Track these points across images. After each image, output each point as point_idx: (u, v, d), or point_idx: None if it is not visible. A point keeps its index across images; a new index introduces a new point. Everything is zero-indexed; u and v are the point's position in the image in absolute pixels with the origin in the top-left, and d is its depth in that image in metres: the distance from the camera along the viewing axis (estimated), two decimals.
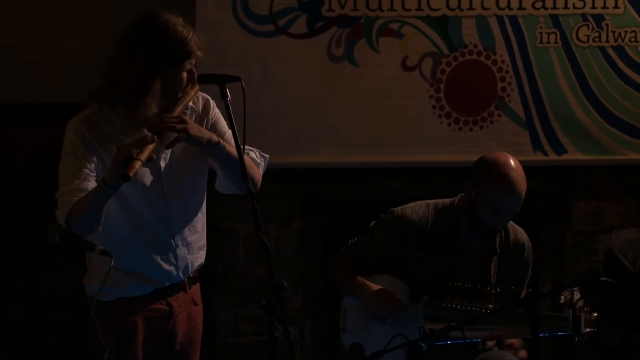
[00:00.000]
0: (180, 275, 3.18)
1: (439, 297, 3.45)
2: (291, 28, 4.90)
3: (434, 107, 5.00)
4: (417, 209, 3.61)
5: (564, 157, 5.08)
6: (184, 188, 3.13)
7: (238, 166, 2.89)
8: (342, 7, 4.91)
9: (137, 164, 2.77)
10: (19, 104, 5.02)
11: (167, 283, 3.16)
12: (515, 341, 3.64)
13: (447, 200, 3.62)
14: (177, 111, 3.00)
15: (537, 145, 5.05)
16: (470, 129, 5.03)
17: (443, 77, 4.99)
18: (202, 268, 3.29)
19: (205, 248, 3.27)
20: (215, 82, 2.95)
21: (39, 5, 5.00)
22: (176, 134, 2.96)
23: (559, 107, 5.03)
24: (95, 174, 2.94)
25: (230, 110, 2.90)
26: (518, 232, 3.65)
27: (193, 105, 3.14)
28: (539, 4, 4.96)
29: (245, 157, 3.01)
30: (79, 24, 4.97)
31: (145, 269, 3.10)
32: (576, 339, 3.45)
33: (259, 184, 3.17)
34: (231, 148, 3.00)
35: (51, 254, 4.27)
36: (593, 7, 4.98)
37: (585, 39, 5.01)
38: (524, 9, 4.96)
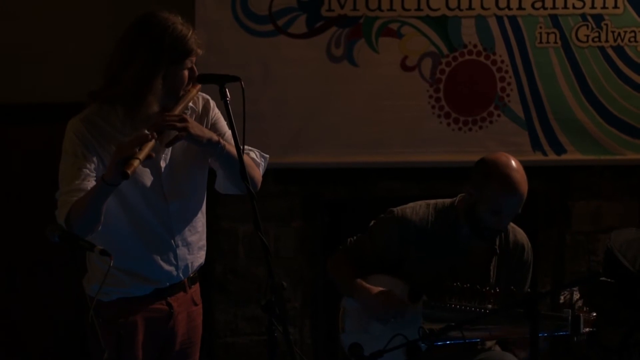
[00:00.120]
0: (181, 275, 3.18)
1: (438, 297, 3.45)
2: (291, 28, 4.91)
3: (433, 107, 5.01)
4: (417, 209, 3.60)
5: (564, 157, 5.08)
6: (184, 188, 3.13)
7: (238, 166, 2.89)
8: (342, 7, 4.91)
9: (136, 162, 2.77)
10: (19, 104, 5.02)
11: (167, 283, 3.16)
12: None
13: (447, 201, 3.62)
14: (178, 110, 3.00)
15: (536, 145, 5.05)
16: (470, 129, 5.03)
17: (442, 77, 5.00)
18: (202, 268, 3.29)
19: (205, 248, 3.28)
20: (215, 82, 2.95)
21: (39, 5, 4.99)
22: (176, 133, 2.96)
23: (558, 107, 5.03)
24: (95, 174, 2.94)
25: (230, 110, 2.90)
26: (517, 233, 3.65)
27: (193, 105, 3.14)
28: (538, 4, 4.97)
29: (245, 157, 3.02)
30: (79, 24, 4.97)
31: (145, 269, 3.10)
32: (575, 338, 3.44)
33: (259, 184, 3.17)
34: (231, 148, 3.00)
35: (51, 254, 4.28)
36: (592, 7, 4.98)
37: (584, 39, 5.01)
38: (524, 9, 4.97)
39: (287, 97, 4.93)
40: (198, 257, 3.24)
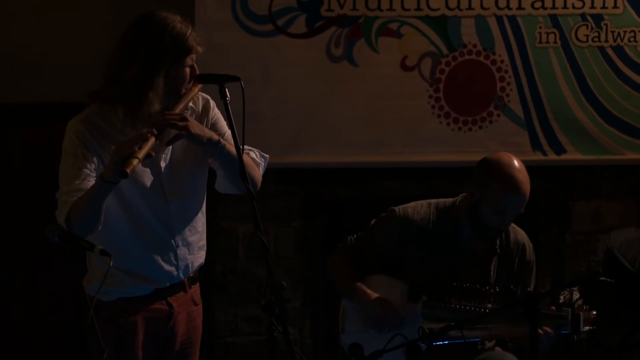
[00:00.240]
0: (181, 275, 3.18)
1: (438, 297, 3.45)
2: (290, 28, 4.91)
3: (433, 107, 5.01)
4: (418, 208, 3.60)
5: (563, 157, 5.08)
6: (184, 188, 3.13)
7: (238, 166, 2.89)
8: (342, 7, 4.91)
9: (135, 162, 2.77)
10: (19, 104, 5.02)
11: (168, 283, 3.16)
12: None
13: (449, 200, 3.61)
14: (179, 109, 3.00)
15: (536, 145, 5.05)
16: (470, 129, 5.04)
17: (442, 77, 5.00)
18: (202, 268, 3.30)
19: (205, 248, 3.28)
20: (215, 82, 2.95)
21: (39, 5, 5.00)
22: (176, 132, 2.96)
23: (558, 107, 5.03)
24: (95, 174, 2.94)
25: (230, 110, 2.91)
26: (518, 233, 3.65)
27: (193, 105, 3.14)
28: (538, 4, 4.97)
29: (245, 157, 3.02)
30: (79, 24, 4.97)
31: (145, 269, 3.11)
32: (575, 337, 3.44)
33: (259, 184, 3.17)
34: (231, 147, 3.00)
35: (51, 254, 4.28)
36: (592, 7, 4.98)
37: (584, 38, 5.01)
38: (523, 8, 4.97)
39: (287, 97, 4.93)
40: (198, 257, 3.24)
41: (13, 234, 5.10)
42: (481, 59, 5.00)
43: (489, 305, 3.43)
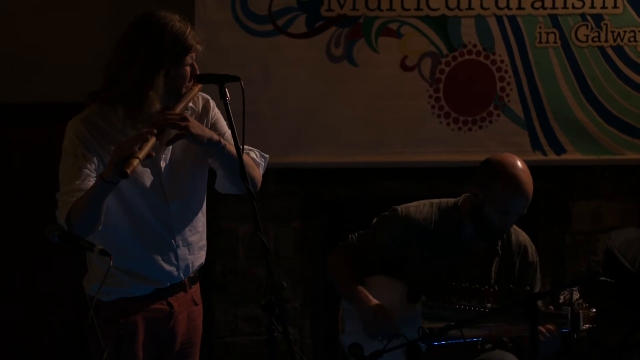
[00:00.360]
0: (181, 275, 3.18)
1: (437, 297, 3.45)
2: (290, 28, 4.91)
3: (433, 107, 5.01)
4: (420, 207, 3.60)
5: (563, 157, 5.08)
6: (184, 188, 3.13)
7: (238, 166, 2.89)
8: (341, 6, 4.91)
9: (135, 162, 2.77)
10: (19, 104, 5.02)
11: (168, 283, 3.16)
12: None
13: (451, 200, 3.61)
14: (179, 109, 3.00)
15: (536, 145, 5.05)
16: (470, 129, 5.04)
17: (442, 77, 5.00)
18: (202, 268, 3.29)
19: (205, 248, 3.28)
20: (215, 82, 2.95)
21: (39, 5, 4.99)
22: (176, 132, 2.96)
23: (558, 107, 5.03)
24: (95, 175, 2.94)
25: (230, 110, 2.91)
26: (520, 234, 3.65)
27: (193, 106, 3.14)
28: (538, 4, 4.97)
29: (245, 157, 3.02)
30: (79, 24, 4.97)
31: (145, 269, 3.11)
32: (575, 335, 3.44)
33: (259, 184, 3.17)
34: (231, 147, 3.00)
35: (51, 254, 4.28)
36: (592, 7, 4.98)
37: (584, 38, 5.01)
38: (523, 8, 4.97)
39: (287, 97, 4.93)
40: (199, 257, 3.24)
41: (13, 234, 5.10)
42: (481, 59, 5.00)
43: (489, 305, 3.43)
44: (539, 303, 3.42)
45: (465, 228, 3.53)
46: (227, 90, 2.92)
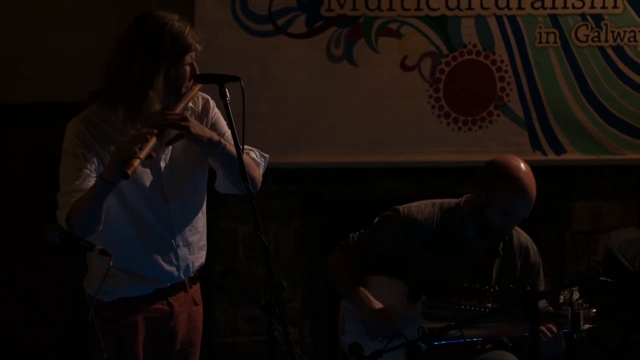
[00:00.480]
0: (181, 275, 3.18)
1: (438, 297, 3.45)
2: (290, 28, 4.91)
3: (433, 107, 5.01)
4: (422, 208, 3.60)
5: (563, 157, 5.08)
6: (184, 188, 3.13)
7: (238, 166, 2.89)
8: (341, 6, 4.91)
9: (136, 162, 2.77)
10: (19, 104, 5.02)
11: (168, 283, 3.16)
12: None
13: (453, 201, 3.61)
14: (179, 109, 3.01)
15: (536, 145, 5.05)
16: (470, 129, 5.03)
17: (442, 77, 5.00)
18: (202, 268, 3.29)
19: (205, 248, 3.28)
20: (215, 82, 2.95)
21: (39, 5, 5.00)
22: (177, 132, 2.96)
23: (558, 107, 5.03)
24: (95, 175, 2.94)
25: (230, 110, 2.91)
26: (521, 236, 3.65)
27: (193, 106, 3.14)
28: (538, 4, 4.97)
29: (245, 157, 3.02)
30: (79, 24, 4.98)
31: (145, 269, 3.10)
32: (575, 336, 3.44)
33: (259, 184, 3.17)
34: (232, 148, 3.00)
35: (51, 254, 4.28)
36: (592, 7, 4.99)
37: (584, 38, 5.01)
38: (523, 8, 4.97)
39: (287, 97, 4.93)
40: (199, 257, 3.24)
41: (13, 234, 5.10)
42: (481, 59, 5.00)
43: (489, 305, 3.43)
44: (544, 302, 3.43)
45: (466, 229, 3.53)
46: (227, 90, 2.92)
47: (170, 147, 3.06)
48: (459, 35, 4.98)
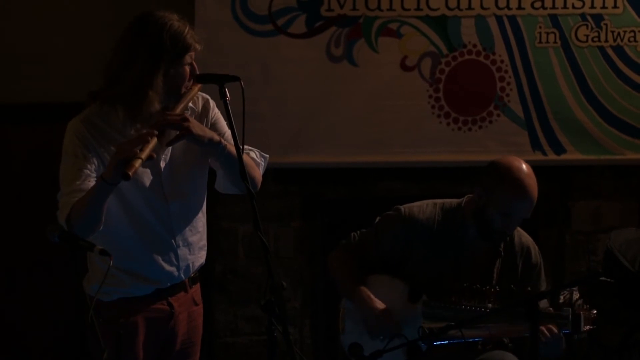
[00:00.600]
0: (182, 275, 3.18)
1: (438, 297, 3.44)
2: (290, 28, 4.90)
3: (433, 107, 5.01)
4: (424, 208, 3.60)
5: (563, 157, 5.08)
6: (184, 188, 3.13)
7: (238, 166, 2.88)
8: (341, 6, 4.91)
9: (137, 163, 2.77)
10: (19, 104, 5.02)
11: (168, 283, 3.16)
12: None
13: (455, 201, 3.61)
14: (179, 109, 3.01)
15: (536, 145, 5.05)
16: (470, 129, 5.03)
17: (442, 77, 5.00)
18: (202, 268, 3.29)
19: (205, 248, 3.28)
20: (215, 82, 2.95)
21: (39, 5, 5.00)
22: (177, 132, 2.96)
23: (558, 107, 5.03)
24: (95, 175, 2.94)
25: (230, 110, 2.91)
26: (522, 236, 3.65)
27: (193, 106, 3.14)
28: (538, 4, 4.97)
29: (245, 157, 3.02)
30: (79, 24, 4.98)
31: (146, 270, 3.10)
32: (576, 337, 3.44)
33: (259, 184, 3.17)
34: (232, 147, 3.00)
35: (51, 254, 4.27)
36: (592, 7, 4.99)
37: (584, 38, 5.01)
38: (523, 8, 4.97)
39: (287, 97, 4.93)
40: (199, 257, 3.24)
41: (13, 234, 5.10)
42: (481, 59, 5.00)
43: (490, 305, 3.43)
44: (545, 302, 3.43)
45: (467, 229, 3.53)
46: (227, 90, 2.92)
47: (170, 147, 3.06)
48: (459, 35, 4.98)
